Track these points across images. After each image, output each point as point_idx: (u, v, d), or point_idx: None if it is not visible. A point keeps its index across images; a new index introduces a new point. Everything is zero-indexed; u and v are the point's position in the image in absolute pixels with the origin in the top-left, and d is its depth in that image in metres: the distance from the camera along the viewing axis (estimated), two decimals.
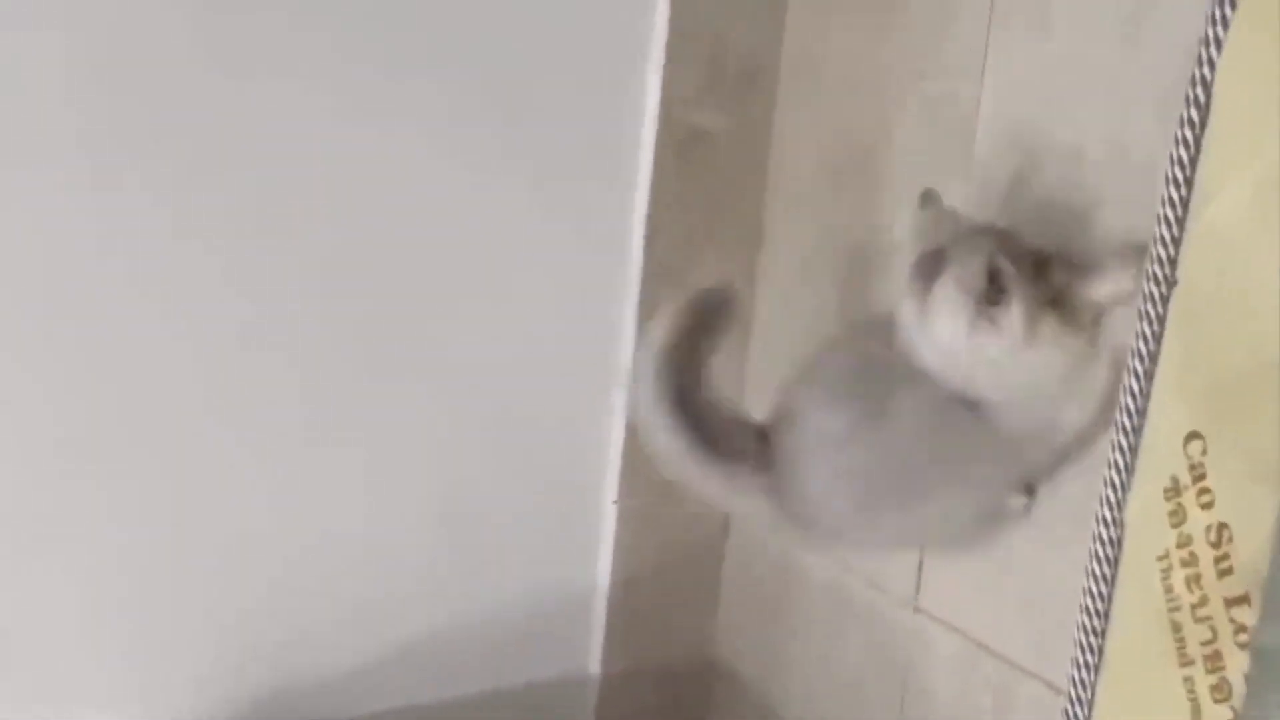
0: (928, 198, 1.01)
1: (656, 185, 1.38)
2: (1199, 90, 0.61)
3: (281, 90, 1.22)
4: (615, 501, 1.43)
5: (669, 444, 1.04)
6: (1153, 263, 0.64)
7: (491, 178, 1.33)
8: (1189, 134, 0.62)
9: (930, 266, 0.85)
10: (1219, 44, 0.60)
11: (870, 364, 1.00)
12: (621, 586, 1.45)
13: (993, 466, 0.95)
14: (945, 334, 0.84)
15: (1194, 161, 0.62)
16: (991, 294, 0.80)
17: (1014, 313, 0.80)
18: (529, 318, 1.37)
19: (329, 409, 1.29)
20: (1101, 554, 0.68)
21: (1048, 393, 0.85)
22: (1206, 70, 0.61)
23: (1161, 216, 0.63)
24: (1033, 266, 0.81)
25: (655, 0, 1.37)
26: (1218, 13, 0.61)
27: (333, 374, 1.28)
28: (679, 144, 1.38)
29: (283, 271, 1.25)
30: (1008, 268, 0.80)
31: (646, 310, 1.38)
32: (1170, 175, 0.63)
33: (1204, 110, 0.62)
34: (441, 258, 1.32)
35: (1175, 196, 0.63)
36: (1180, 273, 0.62)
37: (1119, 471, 0.67)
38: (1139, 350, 0.66)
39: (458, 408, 1.35)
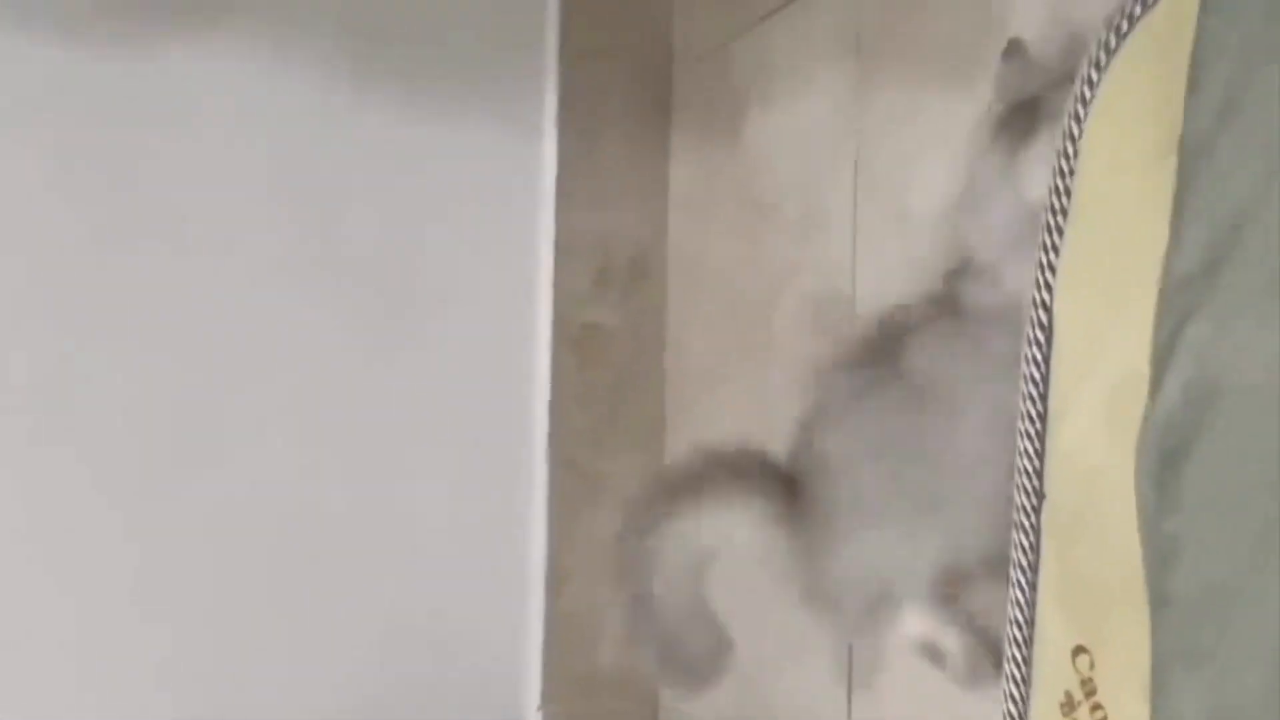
0: (1015, 46, 0.85)
1: (556, 381, 1.40)
2: (1040, 312, 0.64)
3: (168, 276, 1.23)
4: (539, 708, 1.39)
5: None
6: (1020, 474, 0.66)
7: (393, 381, 1.33)
8: (1036, 353, 0.64)
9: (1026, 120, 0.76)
10: (1053, 270, 0.63)
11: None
12: None
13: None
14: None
15: (1045, 379, 0.64)
16: None
17: None
18: (438, 521, 1.35)
19: (244, 622, 1.25)
20: None
21: None
22: (1045, 295, 0.64)
23: (1022, 432, 0.65)
24: None
25: (541, 201, 1.41)
26: (1051, 239, 0.64)
27: (248, 588, 1.25)
28: (575, 340, 1.40)
29: (179, 502, 1.23)
30: None
31: (555, 506, 1.38)
32: (1025, 393, 0.65)
33: (1049, 330, 0.64)
34: (343, 464, 1.31)
35: (1032, 412, 0.65)
36: (1046, 488, 0.64)
37: (1017, 685, 0.66)
38: (1019, 561, 0.66)
39: (370, 619, 1.31)
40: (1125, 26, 0.61)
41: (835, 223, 1.13)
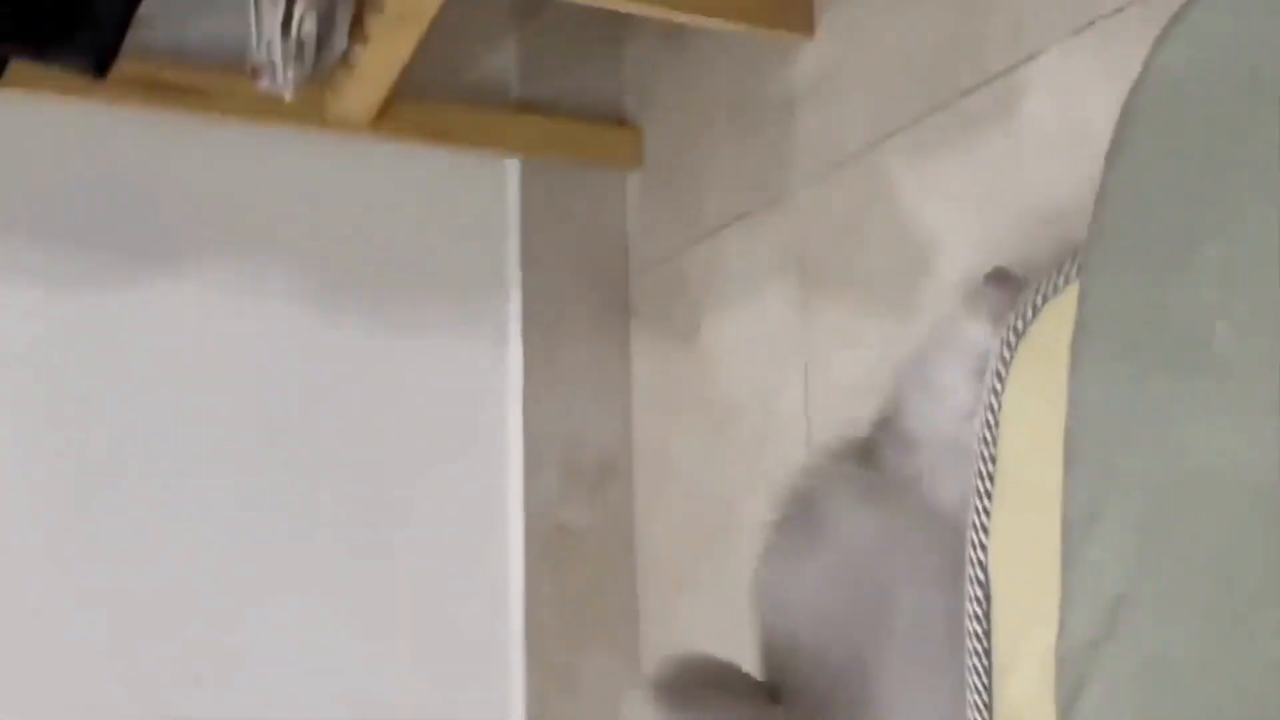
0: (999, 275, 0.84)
1: (530, 583, 1.42)
2: (976, 570, 0.69)
3: (150, 499, 1.27)
4: None
5: None
6: None
7: (372, 590, 1.35)
8: (977, 609, 0.69)
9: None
10: (986, 531, 0.68)
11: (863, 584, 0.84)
12: None
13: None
14: None
15: (988, 633, 0.68)
16: None
17: None
18: None
19: None
20: None
21: None
22: (979, 554, 0.69)
23: (971, 685, 0.69)
24: None
25: (509, 406, 1.46)
26: (981, 504, 0.69)
27: None
28: (547, 541, 1.43)
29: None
30: None
31: (533, 708, 1.39)
32: (970, 647, 0.69)
33: (986, 587, 0.68)
34: (325, 670, 1.31)
35: (979, 666, 0.69)
36: None
37: None
38: None
39: None
40: (1030, 314, 0.67)
41: (789, 434, 1.19)
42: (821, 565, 0.84)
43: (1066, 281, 0.64)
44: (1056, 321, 0.65)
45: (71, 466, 1.27)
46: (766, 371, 1.25)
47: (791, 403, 1.20)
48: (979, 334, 0.76)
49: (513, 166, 1.49)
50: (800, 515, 0.88)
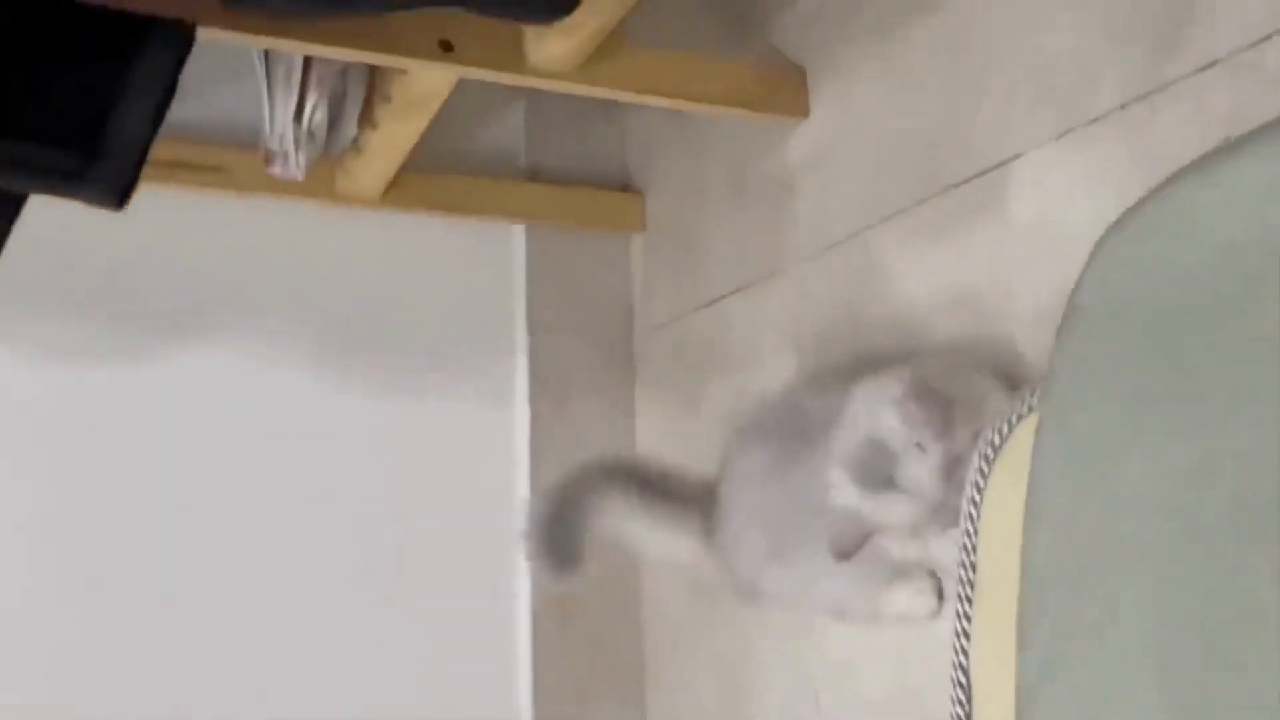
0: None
1: (538, 640, 1.45)
2: (959, 674, 0.72)
3: (175, 565, 1.31)
4: None
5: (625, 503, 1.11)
6: None
7: (384, 652, 1.39)
8: (960, 711, 0.72)
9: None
10: (968, 635, 0.72)
11: (795, 412, 1.05)
12: None
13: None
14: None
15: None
16: None
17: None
18: None
19: None
20: None
21: None
22: (962, 658, 0.72)
23: None
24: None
25: (517, 464, 1.49)
26: (963, 609, 0.72)
27: None
28: (554, 599, 1.47)
29: None
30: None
31: None
32: None
33: (968, 689, 0.72)
34: None
35: None
36: None
37: None
38: None
39: None
40: (1007, 430, 0.71)
41: None
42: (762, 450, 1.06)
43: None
44: (1032, 437, 0.68)
45: (90, 524, 1.31)
46: None
47: None
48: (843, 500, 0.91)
49: (519, 232, 1.53)
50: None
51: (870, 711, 1.12)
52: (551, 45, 1.04)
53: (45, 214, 1.29)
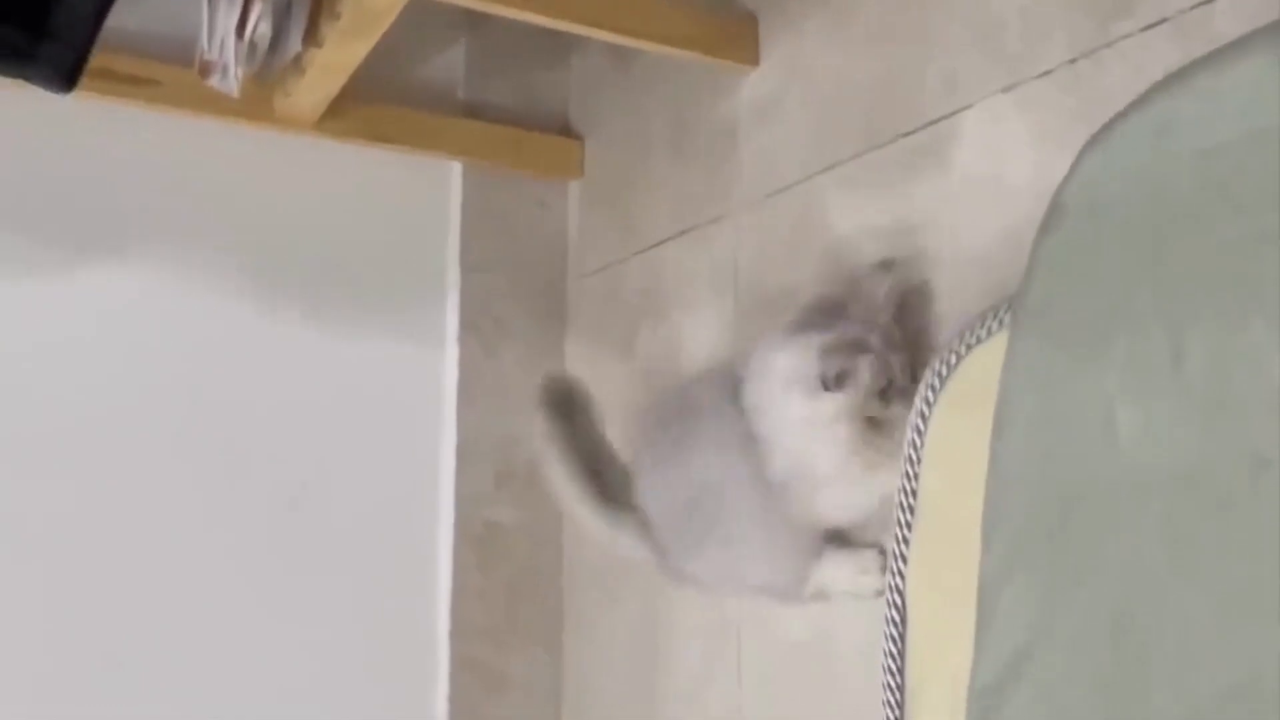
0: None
1: (458, 578, 1.45)
2: (895, 596, 0.74)
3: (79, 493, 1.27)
4: None
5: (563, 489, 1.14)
6: None
7: (301, 582, 1.37)
8: (893, 631, 0.74)
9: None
10: (905, 560, 0.74)
11: (684, 396, 1.09)
12: None
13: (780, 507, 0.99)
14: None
15: (902, 654, 0.74)
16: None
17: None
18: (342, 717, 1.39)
19: None
20: None
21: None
22: (899, 580, 0.74)
23: (884, 701, 0.74)
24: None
25: (444, 406, 1.49)
26: (901, 534, 0.74)
27: None
28: (476, 538, 1.47)
29: None
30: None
31: (457, 704, 1.42)
32: (885, 665, 0.74)
33: (903, 612, 0.74)
34: (253, 656, 1.34)
35: (893, 684, 0.74)
36: None
37: None
38: None
39: None
40: (954, 361, 0.73)
41: None
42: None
43: (989, 333, 0.70)
44: (980, 368, 0.70)
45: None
46: None
47: None
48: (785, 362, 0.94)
49: (456, 170, 1.51)
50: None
51: (790, 654, 1.14)
52: None
53: None
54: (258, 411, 1.39)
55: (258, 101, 1.32)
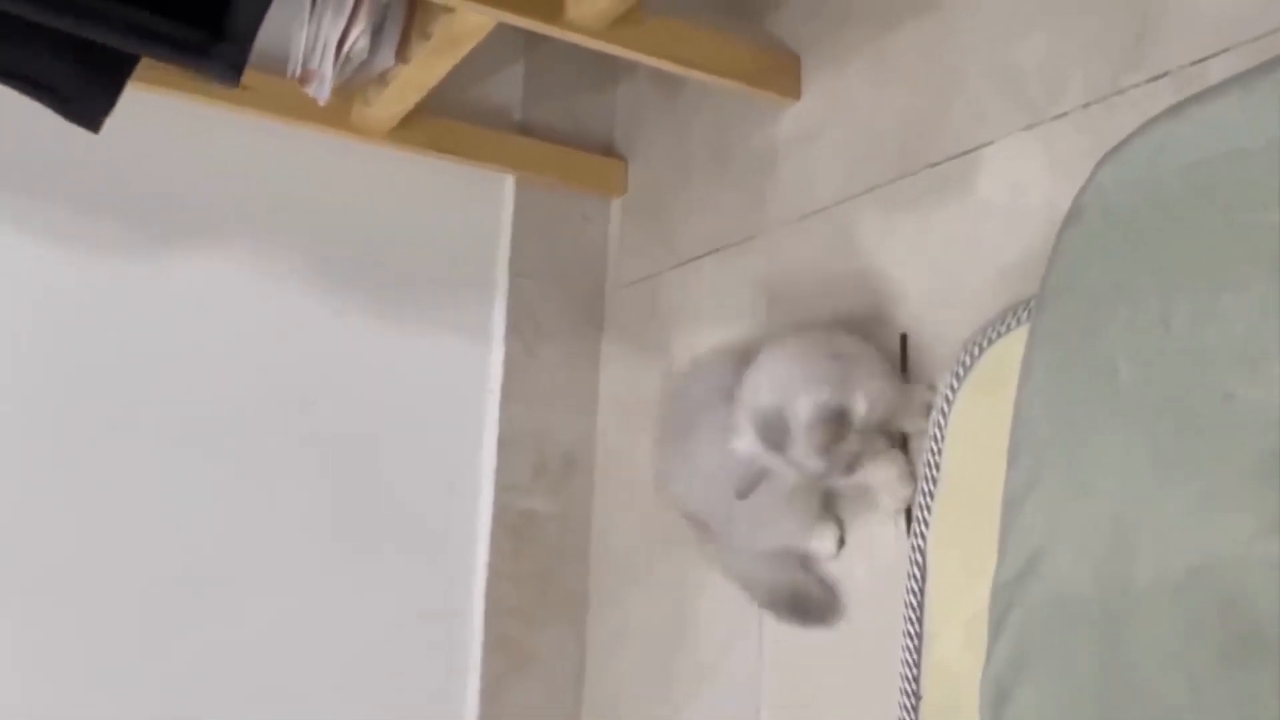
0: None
1: (493, 562, 1.56)
2: (917, 555, 0.85)
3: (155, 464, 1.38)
4: None
5: None
6: (902, 680, 0.86)
7: (350, 557, 1.48)
8: (914, 585, 0.85)
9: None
10: (927, 524, 0.85)
11: (683, 397, 1.20)
12: None
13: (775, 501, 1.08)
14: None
15: (921, 605, 0.85)
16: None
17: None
18: (377, 688, 1.49)
19: None
20: None
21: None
22: (920, 541, 0.85)
23: (904, 645, 0.86)
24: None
25: (488, 400, 1.60)
26: (924, 501, 0.86)
27: None
28: (512, 525, 1.58)
29: None
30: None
31: (489, 678, 1.52)
32: (906, 615, 0.85)
33: (923, 569, 0.85)
34: (303, 613, 1.44)
35: (912, 631, 0.85)
36: (922, 690, 0.84)
37: None
38: None
39: None
40: (977, 352, 0.85)
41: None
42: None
43: (1008, 329, 0.82)
44: (998, 360, 0.82)
45: (69, 413, 1.38)
46: None
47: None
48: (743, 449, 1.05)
49: (509, 183, 1.64)
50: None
51: (814, 647, 1.22)
52: (588, 6, 1.16)
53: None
54: (318, 396, 1.50)
55: (337, 111, 1.45)
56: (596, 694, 1.56)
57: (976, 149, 1.10)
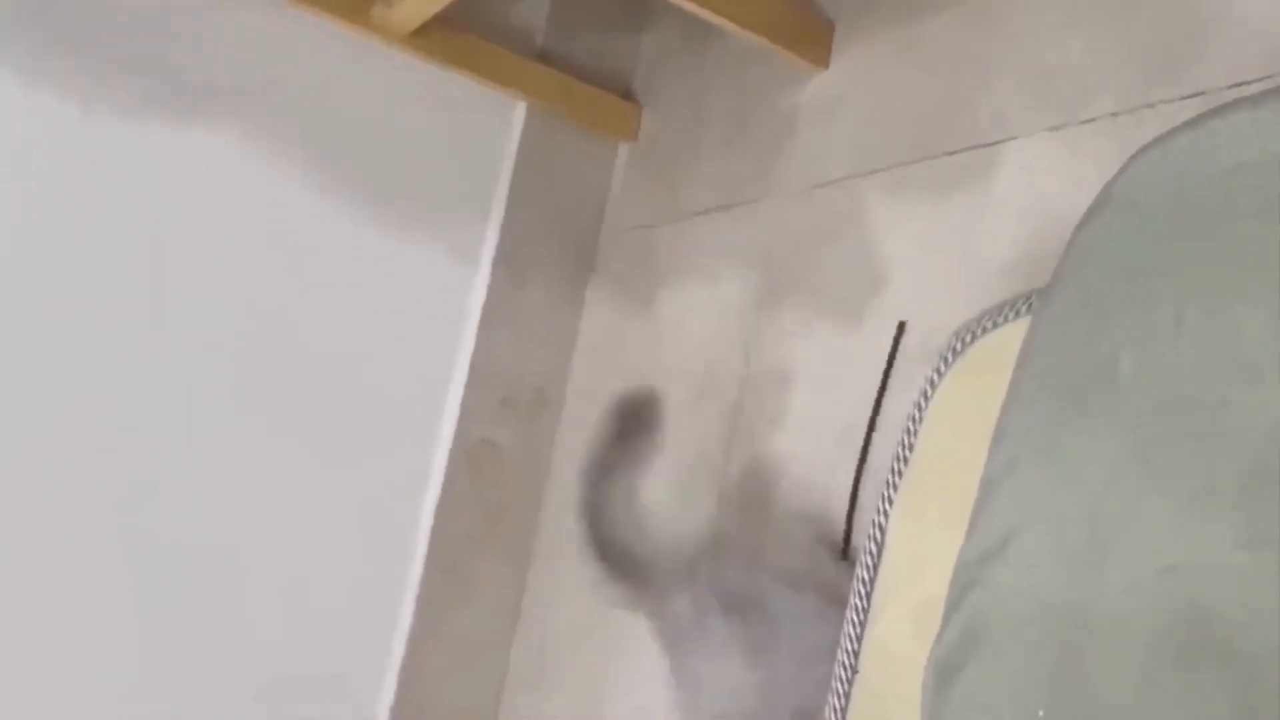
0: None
1: (447, 485, 1.55)
2: (876, 528, 0.85)
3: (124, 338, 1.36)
4: None
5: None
6: (841, 651, 0.86)
7: (302, 449, 1.47)
8: (869, 558, 0.85)
9: None
10: (891, 500, 0.84)
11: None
12: None
13: None
14: None
15: (874, 579, 0.84)
16: None
17: None
18: (307, 606, 1.48)
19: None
20: None
21: None
22: (883, 515, 0.85)
23: (849, 618, 0.85)
24: None
25: (465, 324, 1.58)
26: (893, 479, 0.85)
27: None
28: (470, 453, 1.57)
29: None
30: None
31: (424, 602, 1.52)
32: (855, 588, 0.85)
33: (881, 541, 0.85)
34: (238, 504, 1.42)
35: (860, 605, 0.85)
36: (860, 664, 0.83)
37: None
38: (836, 705, 0.86)
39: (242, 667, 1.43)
40: (970, 339, 0.84)
41: (718, 401, 1.34)
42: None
43: (1005, 320, 0.81)
44: (992, 347, 0.81)
45: (52, 298, 1.35)
46: (709, 346, 1.40)
47: (726, 377, 1.36)
48: None
49: (520, 110, 1.61)
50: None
51: None
52: None
53: None
54: (297, 292, 1.48)
55: (357, 6, 1.42)
56: (531, 631, 1.56)
57: (998, 143, 1.09)
